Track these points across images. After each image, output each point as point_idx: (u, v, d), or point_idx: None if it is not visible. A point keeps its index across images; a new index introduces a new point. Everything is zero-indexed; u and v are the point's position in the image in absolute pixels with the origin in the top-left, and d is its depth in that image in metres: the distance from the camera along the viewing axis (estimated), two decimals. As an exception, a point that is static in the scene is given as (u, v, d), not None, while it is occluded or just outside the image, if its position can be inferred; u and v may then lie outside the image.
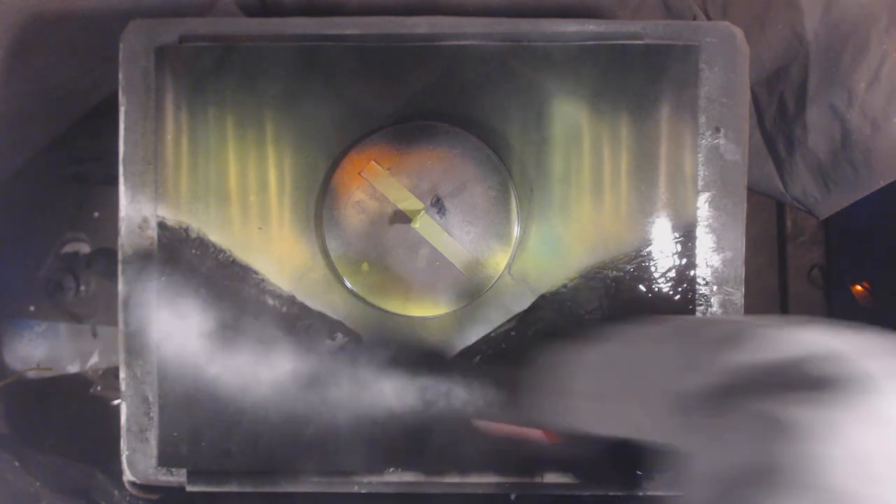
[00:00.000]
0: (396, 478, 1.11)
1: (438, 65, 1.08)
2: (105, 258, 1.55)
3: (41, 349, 1.62)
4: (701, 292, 1.09)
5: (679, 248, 1.09)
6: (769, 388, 0.52)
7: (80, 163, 1.61)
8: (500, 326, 1.10)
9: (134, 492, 1.13)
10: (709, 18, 1.31)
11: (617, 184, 1.08)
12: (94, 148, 1.59)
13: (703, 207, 1.09)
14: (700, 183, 1.09)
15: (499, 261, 1.08)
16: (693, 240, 1.09)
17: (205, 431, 1.10)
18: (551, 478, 1.11)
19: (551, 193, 1.09)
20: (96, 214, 1.60)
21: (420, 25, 1.09)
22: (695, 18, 1.30)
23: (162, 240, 1.09)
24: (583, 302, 1.09)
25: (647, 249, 1.09)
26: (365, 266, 1.08)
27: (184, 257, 1.09)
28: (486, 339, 1.10)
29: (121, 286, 1.09)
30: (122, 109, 1.09)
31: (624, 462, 1.10)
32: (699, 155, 1.09)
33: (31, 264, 1.59)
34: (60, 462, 1.44)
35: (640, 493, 1.12)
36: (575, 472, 1.09)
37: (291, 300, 1.10)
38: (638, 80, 1.08)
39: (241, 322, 1.09)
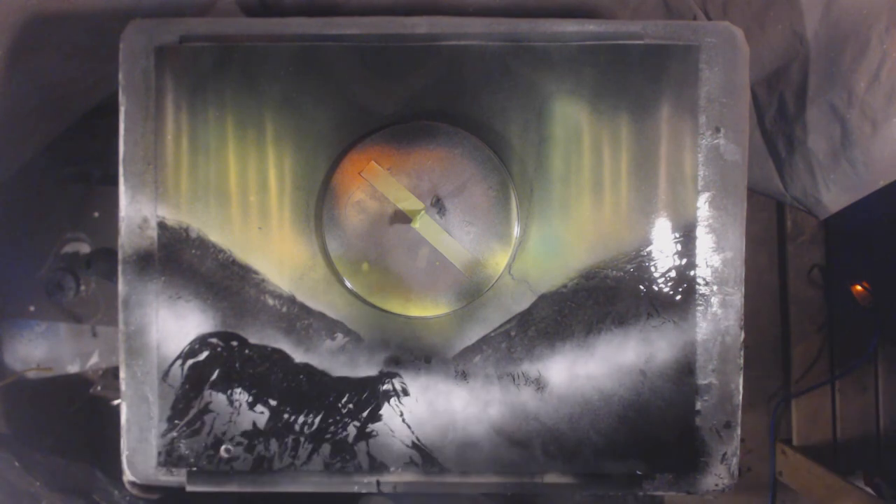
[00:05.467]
0: (396, 478, 1.11)
1: (438, 65, 1.08)
2: (105, 258, 1.55)
3: (41, 349, 1.62)
4: (701, 292, 1.09)
5: (679, 248, 1.09)
6: None
7: (80, 163, 1.61)
8: (500, 326, 1.10)
9: (134, 492, 1.14)
10: (709, 18, 1.31)
11: (617, 184, 1.09)
12: (94, 148, 1.59)
13: (703, 207, 1.09)
14: (700, 183, 1.09)
15: (499, 261, 1.08)
16: (693, 240, 1.09)
17: (205, 431, 1.10)
18: (551, 478, 1.11)
19: (551, 193, 1.09)
20: (96, 214, 1.60)
21: (420, 25, 1.09)
22: (695, 18, 1.30)
23: (162, 240, 1.09)
24: (583, 302, 1.09)
25: (647, 249, 1.09)
26: (365, 266, 1.08)
27: (184, 257, 1.09)
28: (486, 339, 1.10)
29: (121, 286, 1.09)
30: (122, 109, 1.09)
31: (624, 462, 1.10)
32: (699, 155, 1.09)
33: (31, 264, 1.59)
34: (60, 462, 1.44)
35: (640, 493, 1.12)
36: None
37: (291, 300, 1.10)
38: (638, 80, 1.08)
39: (241, 322, 1.10)
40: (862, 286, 1.88)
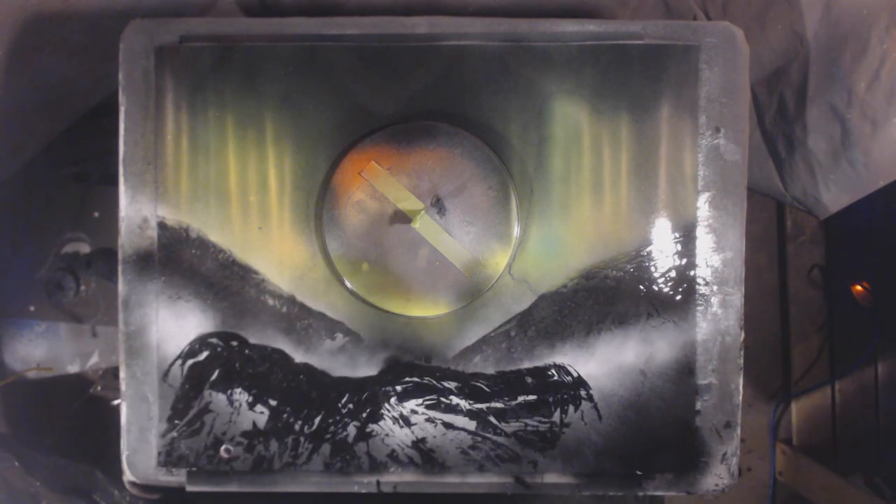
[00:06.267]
0: (396, 478, 1.11)
1: (438, 65, 1.08)
2: (105, 258, 1.55)
3: (41, 349, 1.61)
4: (701, 292, 1.09)
5: (679, 248, 1.09)
6: None
7: (80, 163, 1.61)
8: (500, 326, 1.10)
9: (134, 492, 1.14)
10: (709, 18, 1.31)
11: (617, 184, 1.09)
12: (94, 148, 1.59)
13: (703, 207, 1.09)
14: (700, 183, 1.09)
15: (499, 261, 1.08)
16: (693, 240, 1.09)
17: (205, 431, 1.10)
18: (551, 478, 1.11)
19: (551, 193, 1.09)
20: (96, 214, 1.60)
21: (420, 25, 1.09)
22: (695, 18, 1.30)
23: (162, 240, 1.09)
24: (583, 302, 1.09)
25: (647, 249, 1.09)
26: (365, 266, 1.08)
27: (184, 257, 1.09)
28: (486, 339, 1.10)
29: (121, 286, 1.09)
30: (122, 109, 1.09)
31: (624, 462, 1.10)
32: (699, 155, 1.09)
33: (31, 264, 1.59)
34: (60, 462, 1.44)
35: (640, 493, 1.12)
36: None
37: (291, 300, 1.10)
38: (638, 80, 1.08)
39: (241, 322, 1.10)
40: (862, 286, 1.88)
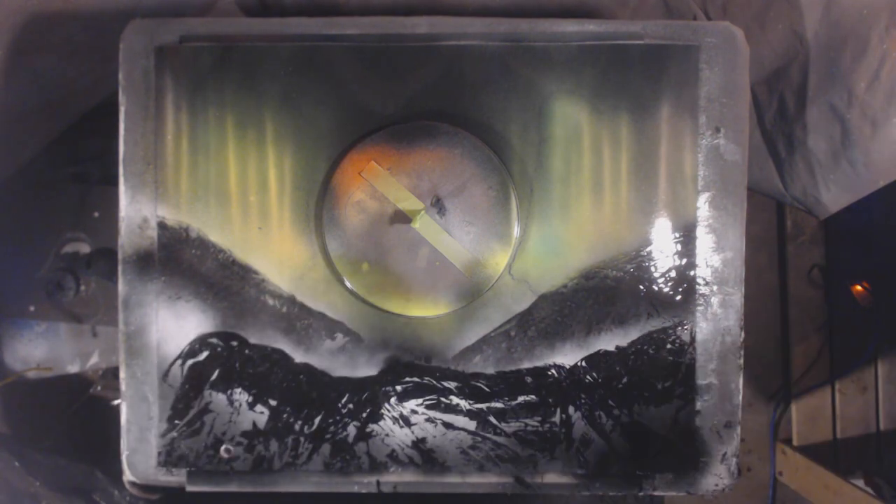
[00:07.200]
0: (396, 478, 1.11)
1: (438, 65, 1.08)
2: (105, 258, 1.55)
3: (41, 349, 1.61)
4: (701, 292, 1.09)
5: (679, 248, 1.09)
6: None
7: (80, 163, 1.61)
8: (500, 326, 1.10)
9: (134, 492, 1.14)
10: (709, 18, 1.31)
11: (617, 184, 1.09)
12: (94, 148, 1.59)
13: (703, 207, 1.09)
14: (700, 183, 1.09)
15: (499, 261, 1.08)
16: (693, 240, 1.09)
17: (205, 431, 1.10)
18: (551, 478, 1.11)
19: (551, 193, 1.09)
20: (96, 214, 1.60)
21: (420, 25, 1.09)
22: (695, 18, 1.31)
23: (162, 240, 1.09)
24: (583, 302, 1.09)
25: (648, 249, 1.09)
26: (365, 266, 1.08)
27: (184, 257, 1.09)
28: (486, 339, 1.10)
29: (121, 286, 1.09)
30: (122, 109, 1.09)
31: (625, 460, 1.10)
32: (699, 155, 1.09)
33: (31, 264, 1.59)
34: (60, 462, 1.44)
35: (640, 493, 1.12)
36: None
37: (291, 300, 1.10)
38: (638, 80, 1.08)
39: (241, 322, 1.10)
40: (862, 286, 1.88)
